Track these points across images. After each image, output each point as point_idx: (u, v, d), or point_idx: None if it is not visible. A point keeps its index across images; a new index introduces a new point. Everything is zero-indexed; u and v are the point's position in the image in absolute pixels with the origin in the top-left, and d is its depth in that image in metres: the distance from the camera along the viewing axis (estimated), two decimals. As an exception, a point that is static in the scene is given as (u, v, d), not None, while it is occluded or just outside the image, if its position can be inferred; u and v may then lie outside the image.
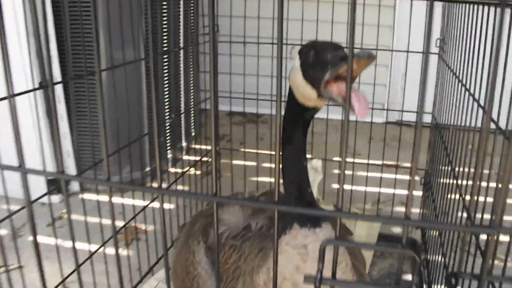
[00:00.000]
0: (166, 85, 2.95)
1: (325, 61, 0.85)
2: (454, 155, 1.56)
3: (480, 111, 1.25)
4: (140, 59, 2.41)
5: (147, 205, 1.92)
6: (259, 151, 2.48)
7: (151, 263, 1.92)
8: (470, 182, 1.36)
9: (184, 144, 3.32)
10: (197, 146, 3.22)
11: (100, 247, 1.66)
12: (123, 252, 2.09)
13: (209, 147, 2.51)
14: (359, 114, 0.77)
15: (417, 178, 2.52)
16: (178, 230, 2.02)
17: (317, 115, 0.98)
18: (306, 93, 0.91)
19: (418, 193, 2.44)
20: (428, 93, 2.12)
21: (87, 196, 2.59)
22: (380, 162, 2.42)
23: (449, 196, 1.56)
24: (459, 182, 1.44)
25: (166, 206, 2.48)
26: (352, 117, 1.78)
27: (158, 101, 2.94)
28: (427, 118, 2.30)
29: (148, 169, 2.91)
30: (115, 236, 0.63)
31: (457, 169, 1.49)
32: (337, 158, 2.54)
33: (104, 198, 2.19)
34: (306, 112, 0.97)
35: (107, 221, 1.69)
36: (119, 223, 1.99)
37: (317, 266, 0.93)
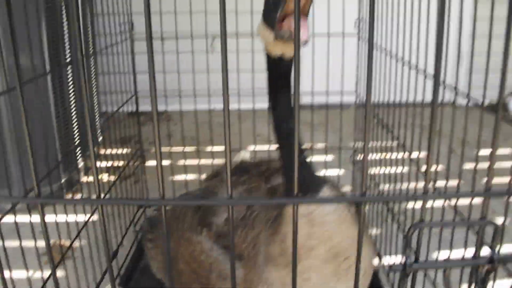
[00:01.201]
0: (72, 93, 2.76)
1: (277, 3, 0.89)
2: (401, 131, 1.63)
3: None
4: (45, 74, 2.21)
5: (88, 219, 1.77)
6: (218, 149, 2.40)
7: (89, 281, 1.78)
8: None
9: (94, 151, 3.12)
10: (106, 151, 3.05)
11: (53, 271, 1.49)
12: (52, 273, 1.91)
13: (118, 151, 2.39)
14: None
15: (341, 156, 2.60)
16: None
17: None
18: (267, 38, 0.95)
19: (344, 170, 2.51)
20: (350, 74, 2.19)
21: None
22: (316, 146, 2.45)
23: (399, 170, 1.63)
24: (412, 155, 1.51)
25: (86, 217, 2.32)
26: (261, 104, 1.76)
27: (67, 113, 2.74)
28: (352, 98, 2.37)
29: (63, 180, 2.71)
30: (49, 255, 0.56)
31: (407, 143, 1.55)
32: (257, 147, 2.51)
33: (21, 218, 1.99)
34: (279, 64, 0.99)
35: (26, 243, 1.51)
36: (43, 243, 1.82)
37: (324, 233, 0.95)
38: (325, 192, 1.00)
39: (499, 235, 0.55)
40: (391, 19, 1.71)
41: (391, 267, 0.56)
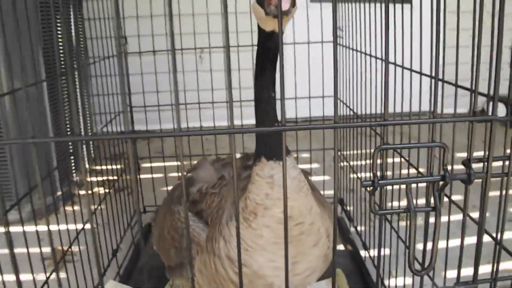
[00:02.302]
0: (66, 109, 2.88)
1: None
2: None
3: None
4: (42, 81, 2.33)
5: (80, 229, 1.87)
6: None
7: (89, 282, 1.87)
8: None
9: (87, 166, 3.24)
10: (98, 167, 3.15)
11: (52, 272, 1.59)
12: (56, 276, 2.00)
13: (110, 167, 2.51)
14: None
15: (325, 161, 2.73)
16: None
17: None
18: (258, 14, 1.03)
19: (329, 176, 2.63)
20: (330, 79, 2.33)
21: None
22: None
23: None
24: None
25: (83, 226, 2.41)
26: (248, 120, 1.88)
27: (62, 127, 2.85)
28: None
29: (59, 193, 2.81)
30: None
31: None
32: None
33: (16, 229, 2.07)
34: (269, 39, 1.08)
35: (21, 250, 1.60)
36: (46, 249, 1.90)
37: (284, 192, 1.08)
38: (289, 159, 1.11)
39: (448, 155, 0.68)
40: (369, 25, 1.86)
41: (362, 184, 0.69)
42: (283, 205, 0.82)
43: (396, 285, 1.66)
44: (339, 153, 2.56)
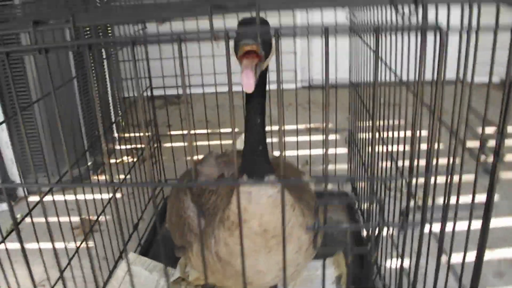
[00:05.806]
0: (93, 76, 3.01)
1: (238, 39, 0.99)
2: (372, 111, 1.83)
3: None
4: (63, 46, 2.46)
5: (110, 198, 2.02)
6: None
7: (114, 250, 2.05)
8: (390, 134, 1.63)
9: (116, 135, 3.40)
10: (127, 135, 3.27)
11: (82, 242, 1.74)
12: (84, 244, 2.16)
13: (138, 134, 2.65)
14: (244, 88, 0.95)
15: (339, 137, 2.82)
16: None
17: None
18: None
19: (343, 150, 2.73)
20: (344, 61, 2.39)
21: (33, 198, 2.63)
22: (303, 127, 2.66)
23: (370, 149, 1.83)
24: (382, 135, 1.71)
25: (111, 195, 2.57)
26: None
27: (90, 95, 3.00)
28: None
29: (90, 163, 2.99)
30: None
31: (377, 123, 1.75)
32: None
33: (48, 198, 2.23)
34: None
35: (53, 219, 1.70)
36: (75, 219, 2.06)
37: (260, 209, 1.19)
38: (269, 178, 1.22)
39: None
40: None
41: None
42: (259, 219, 1.01)
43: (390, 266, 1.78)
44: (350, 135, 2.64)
